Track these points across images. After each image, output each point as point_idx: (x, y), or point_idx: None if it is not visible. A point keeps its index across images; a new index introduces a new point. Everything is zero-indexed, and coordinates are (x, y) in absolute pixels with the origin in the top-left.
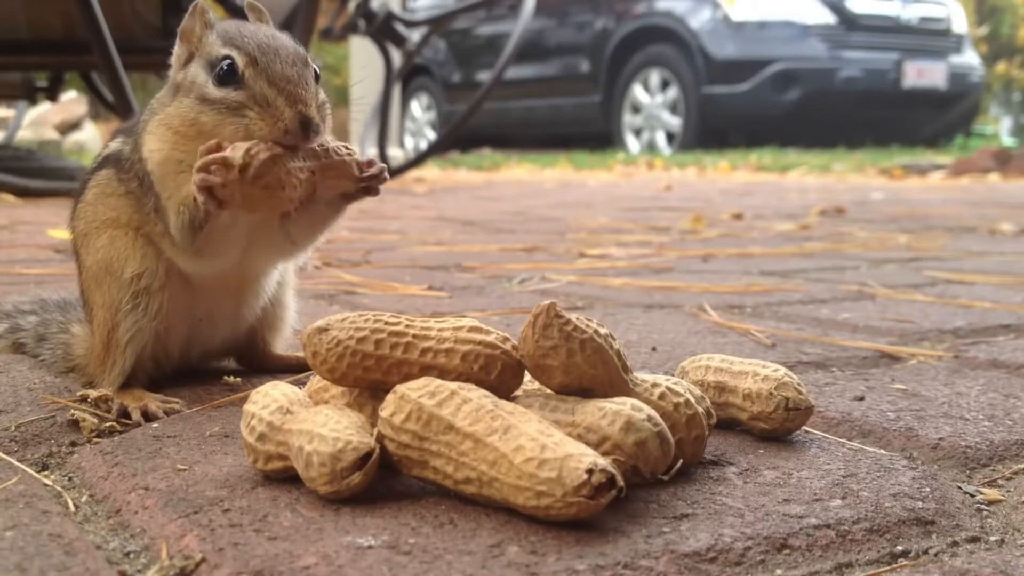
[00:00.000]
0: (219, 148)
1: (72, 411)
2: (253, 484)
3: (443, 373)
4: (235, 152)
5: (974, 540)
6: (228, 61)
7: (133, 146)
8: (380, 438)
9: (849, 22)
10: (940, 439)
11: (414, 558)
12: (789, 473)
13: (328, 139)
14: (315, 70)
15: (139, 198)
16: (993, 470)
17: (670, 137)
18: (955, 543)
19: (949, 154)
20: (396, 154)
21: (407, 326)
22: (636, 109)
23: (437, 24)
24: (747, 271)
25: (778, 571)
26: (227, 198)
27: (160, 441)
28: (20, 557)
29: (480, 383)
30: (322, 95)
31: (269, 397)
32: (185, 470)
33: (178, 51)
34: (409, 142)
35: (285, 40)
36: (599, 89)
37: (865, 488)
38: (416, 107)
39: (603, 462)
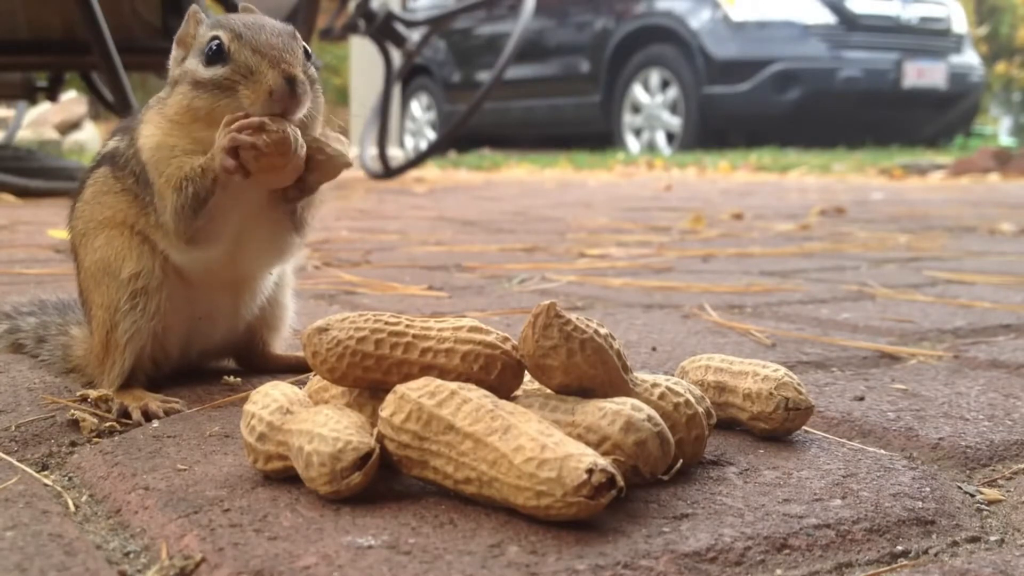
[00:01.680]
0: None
1: (72, 411)
2: (253, 484)
3: (443, 373)
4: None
5: (974, 540)
6: (216, 41)
7: (128, 141)
8: (380, 438)
9: (849, 22)
10: (940, 439)
11: (414, 558)
12: (789, 473)
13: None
14: (305, 48)
15: (136, 194)
16: (993, 470)
17: (670, 137)
18: (955, 543)
19: (949, 154)
20: (396, 154)
21: (407, 326)
22: (636, 109)
23: (437, 24)
24: (747, 271)
25: (778, 571)
26: (250, 162)
27: (160, 441)
28: (20, 557)
29: (480, 383)
30: (312, 69)
31: (269, 397)
32: (185, 470)
33: (175, 54)
34: (409, 142)
35: (273, 20)
36: (599, 89)
37: (865, 488)
38: (416, 107)
39: (603, 462)
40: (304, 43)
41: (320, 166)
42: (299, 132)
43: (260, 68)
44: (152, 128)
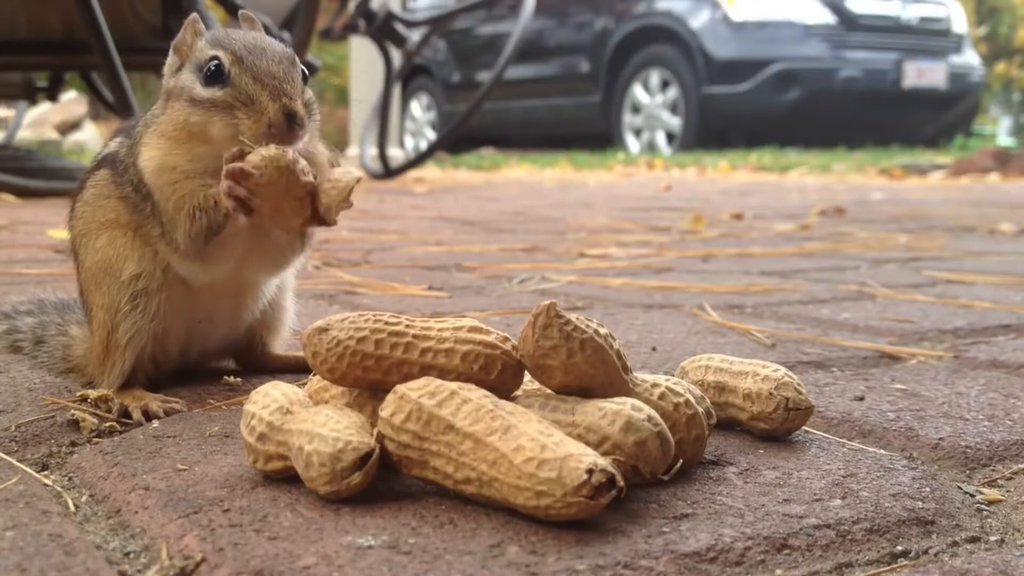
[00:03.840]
0: (242, 155)
1: (72, 411)
2: (253, 484)
3: (443, 373)
4: (254, 158)
5: (974, 540)
6: (215, 62)
7: (128, 150)
8: (380, 438)
9: (849, 22)
10: (940, 439)
11: (414, 558)
12: (789, 473)
13: (319, 146)
14: (304, 71)
15: (135, 203)
16: (993, 470)
17: (670, 137)
18: (955, 543)
19: (949, 154)
20: (396, 154)
21: (407, 326)
22: (636, 109)
23: (437, 24)
24: (747, 271)
25: (778, 571)
26: (257, 206)
27: (160, 441)
28: (20, 557)
29: (480, 383)
30: (309, 94)
31: (269, 397)
32: (185, 470)
33: (170, 61)
34: (409, 142)
35: (273, 42)
36: (599, 89)
37: (865, 488)
38: (416, 107)
39: (603, 462)
40: (301, 65)
41: (327, 192)
42: (303, 162)
43: (260, 99)
44: (152, 150)
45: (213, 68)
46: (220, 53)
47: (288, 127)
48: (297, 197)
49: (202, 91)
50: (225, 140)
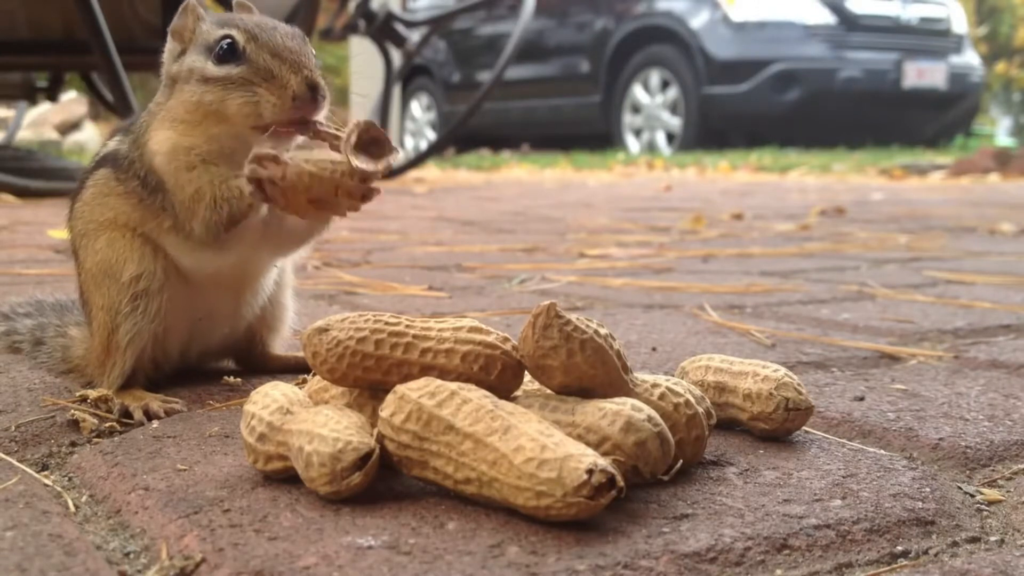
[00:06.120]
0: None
1: (72, 411)
2: (253, 484)
3: (443, 373)
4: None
5: (974, 540)
6: (228, 40)
7: (132, 145)
8: (380, 438)
9: (849, 22)
10: (940, 439)
11: (414, 558)
12: (789, 473)
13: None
14: (312, 51)
15: (141, 197)
16: (993, 470)
17: (670, 137)
18: (955, 543)
19: (949, 154)
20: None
21: (407, 326)
22: (636, 109)
23: (437, 24)
24: (747, 271)
25: (778, 571)
26: (275, 196)
27: (160, 441)
28: (20, 557)
29: (480, 383)
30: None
31: (269, 397)
32: (185, 470)
33: (170, 46)
34: (409, 142)
35: (280, 22)
36: (599, 89)
37: (865, 488)
38: (416, 107)
39: (603, 462)
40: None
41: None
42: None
43: (281, 72)
44: (163, 134)
45: (226, 46)
46: (232, 32)
47: (312, 98)
48: (320, 196)
49: (215, 70)
50: (243, 117)
